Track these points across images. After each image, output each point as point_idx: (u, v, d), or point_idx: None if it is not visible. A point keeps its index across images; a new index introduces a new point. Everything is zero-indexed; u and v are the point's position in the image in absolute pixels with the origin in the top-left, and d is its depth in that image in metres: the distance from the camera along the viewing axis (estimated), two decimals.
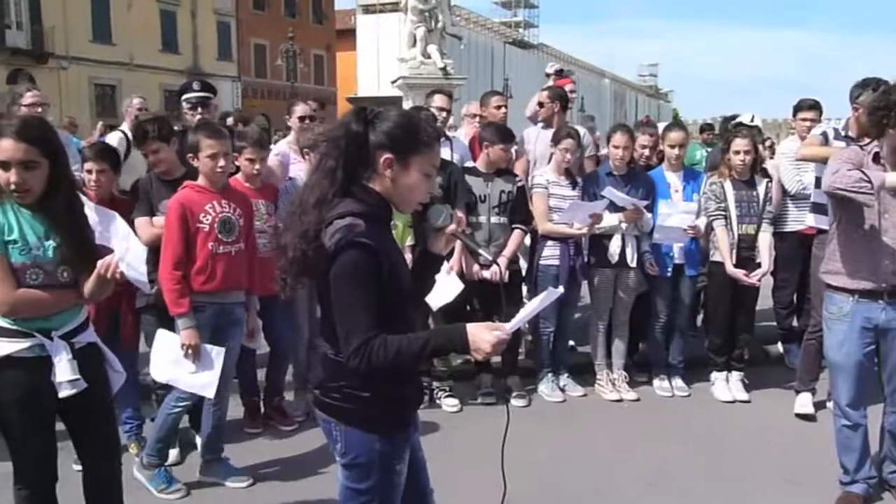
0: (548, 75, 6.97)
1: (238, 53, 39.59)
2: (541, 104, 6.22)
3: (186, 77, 27.17)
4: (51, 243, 2.67)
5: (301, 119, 5.40)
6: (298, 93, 29.66)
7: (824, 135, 5.10)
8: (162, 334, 3.91)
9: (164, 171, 4.31)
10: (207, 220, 3.88)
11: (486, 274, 2.26)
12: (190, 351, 3.79)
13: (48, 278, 2.65)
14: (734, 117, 6.59)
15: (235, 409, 4.89)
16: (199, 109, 5.41)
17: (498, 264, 4.83)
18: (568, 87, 6.81)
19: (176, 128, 5.56)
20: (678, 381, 5.62)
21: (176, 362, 3.82)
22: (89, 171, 4.18)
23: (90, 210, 2.96)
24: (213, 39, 38.12)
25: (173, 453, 4.32)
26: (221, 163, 3.89)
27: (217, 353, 3.85)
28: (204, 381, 3.84)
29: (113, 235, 2.95)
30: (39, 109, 5.36)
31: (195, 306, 3.82)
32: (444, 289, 4.55)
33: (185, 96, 5.49)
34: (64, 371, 2.67)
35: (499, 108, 6.15)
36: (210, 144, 3.86)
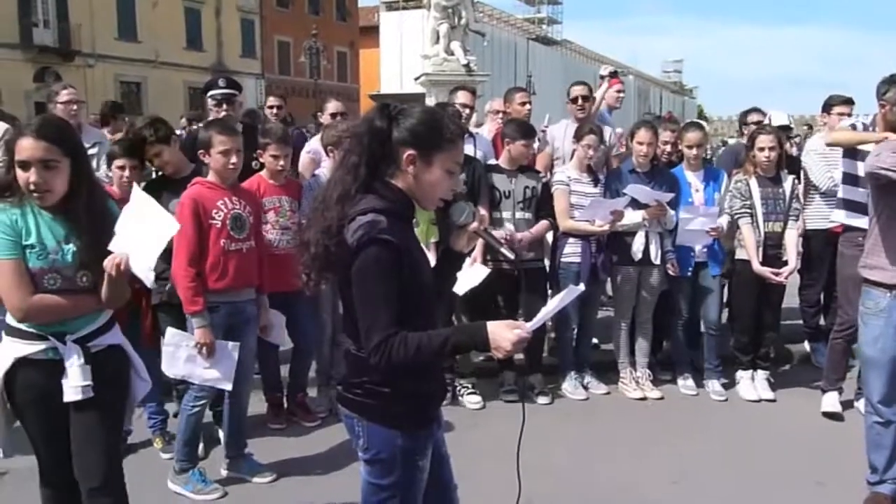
0: (602, 77, 6.99)
1: (262, 50, 39.85)
2: (585, 98, 6.07)
3: (211, 74, 27.39)
4: (70, 247, 2.59)
5: (333, 116, 5.42)
6: (322, 90, 29.80)
7: (853, 127, 5.05)
8: (172, 333, 3.90)
9: (173, 172, 4.32)
10: (220, 216, 3.88)
11: (510, 254, 2.16)
12: (204, 349, 3.79)
13: (66, 283, 2.58)
14: (753, 111, 6.49)
15: (259, 405, 4.95)
16: (225, 106, 5.46)
17: (509, 248, 4.82)
18: (615, 88, 6.82)
19: (200, 125, 5.66)
20: (715, 385, 5.56)
21: (189, 359, 3.82)
22: (121, 168, 4.21)
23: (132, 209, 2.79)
24: (237, 36, 38.41)
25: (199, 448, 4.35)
26: (233, 159, 3.89)
27: (233, 347, 3.87)
28: (220, 375, 3.86)
29: (127, 227, 2.76)
30: (75, 107, 5.47)
31: (209, 306, 3.81)
32: (470, 274, 4.54)
33: (210, 93, 5.54)
34: (75, 376, 2.61)
35: (523, 104, 6.15)
36: (222, 141, 3.86)
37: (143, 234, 2.64)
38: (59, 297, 2.57)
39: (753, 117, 6.42)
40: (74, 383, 2.61)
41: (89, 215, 2.61)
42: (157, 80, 33.80)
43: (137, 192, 2.86)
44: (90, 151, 5.46)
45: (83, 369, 2.62)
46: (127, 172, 4.19)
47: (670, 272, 5.38)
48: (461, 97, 5.75)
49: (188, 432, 3.98)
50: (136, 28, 33.61)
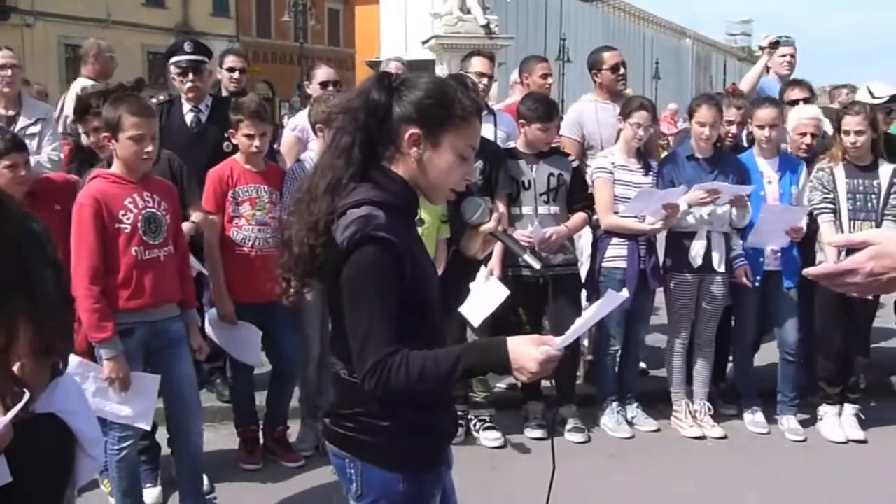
0: (761, 49, 7.10)
1: (236, 8, 40.07)
2: (622, 65, 6.11)
3: (175, 37, 27.55)
4: None
5: (324, 85, 5.43)
6: (309, 55, 29.90)
7: None
8: (76, 362, 3.72)
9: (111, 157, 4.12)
10: (129, 218, 3.78)
11: (534, 262, 2.09)
12: (117, 384, 3.75)
13: None
14: (843, 87, 6.54)
15: (229, 439, 4.95)
16: (191, 76, 5.47)
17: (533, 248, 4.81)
18: (780, 52, 6.99)
19: (161, 97, 5.68)
20: (791, 421, 5.54)
21: (99, 393, 3.75)
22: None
23: None
24: None
25: (154, 493, 4.38)
26: (148, 147, 3.79)
27: (153, 380, 3.85)
28: (134, 412, 3.82)
29: None
30: (9, 73, 5.49)
31: (121, 329, 3.75)
32: (485, 297, 4.55)
33: (173, 59, 5.56)
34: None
35: (544, 77, 6.15)
36: (135, 123, 3.74)
37: None
38: None
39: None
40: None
41: None
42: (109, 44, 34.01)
43: None
44: (31, 129, 5.49)
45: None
46: (23, 172, 4.08)
47: (739, 282, 5.34)
48: (477, 64, 5.75)
49: (123, 481, 3.94)
50: None
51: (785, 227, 5.25)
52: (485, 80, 5.68)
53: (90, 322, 3.70)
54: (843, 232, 5.22)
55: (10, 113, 5.45)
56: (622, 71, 5.99)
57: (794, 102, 6.04)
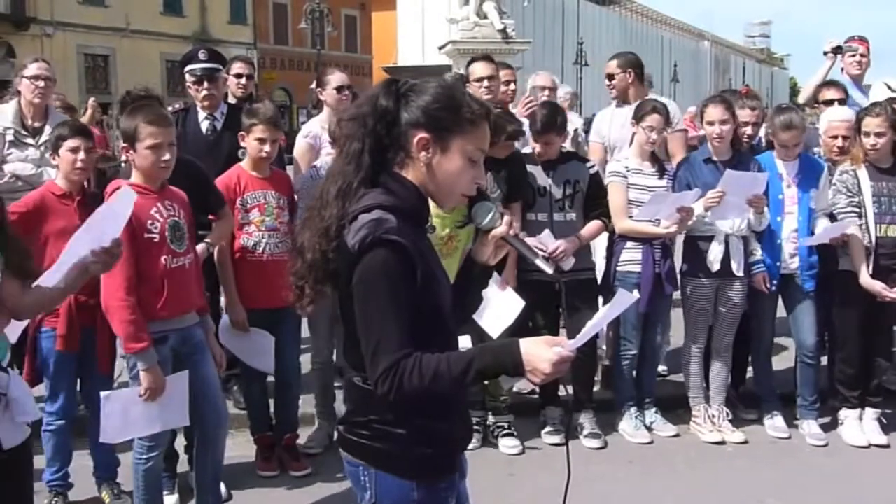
0: (825, 54, 7.04)
1: (254, 15, 40.31)
2: (610, 76, 6.17)
3: (193, 44, 27.65)
4: None
5: (339, 90, 5.42)
6: (326, 62, 30.02)
7: None
8: (109, 397, 3.79)
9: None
10: (156, 227, 3.79)
11: (547, 268, 2.11)
12: (150, 393, 3.74)
13: None
14: (832, 84, 6.51)
15: (246, 446, 4.96)
16: (206, 84, 5.50)
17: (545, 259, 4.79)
18: (850, 53, 6.91)
19: (177, 105, 5.71)
20: (812, 426, 5.49)
21: (145, 414, 3.76)
22: (73, 150, 4.17)
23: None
24: None
25: (171, 501, 4.40)
26: (166, 156, 3.81)
27: (182, 379, 3.85)
28: (174, 413, 3.83)
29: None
30: (42, 84, 5.50)
31: (155, 338, 3.77)
32: (500, 308, 4.54)
33: (188, 68, 5.59)
34: (26, 409, 2.68)
35: (507, 83, 6.13)
36: (152, 133, 3.77)
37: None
38: None
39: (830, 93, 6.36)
40: (25, 418, 2.69)
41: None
42: (127, 53, 34.33)
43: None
44: None
45: (30, 400, 2.70)
46: (82, 155, 4.18)
47: (759, 287, 5.29)
48: (479, 69, 5.73)
49: (147, 491, 3.96)
50: None
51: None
52: (485, 84, 5.66)
53: (127, 333, 3.71)
54: (869, 236, 5.17)
55: (37, 124, 5.45)
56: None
57: (829, 102, 6.01)
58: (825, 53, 7.06)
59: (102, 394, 3.81)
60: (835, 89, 6.35)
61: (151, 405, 3.75)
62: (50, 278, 2.78)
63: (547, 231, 5.07)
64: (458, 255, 4.65)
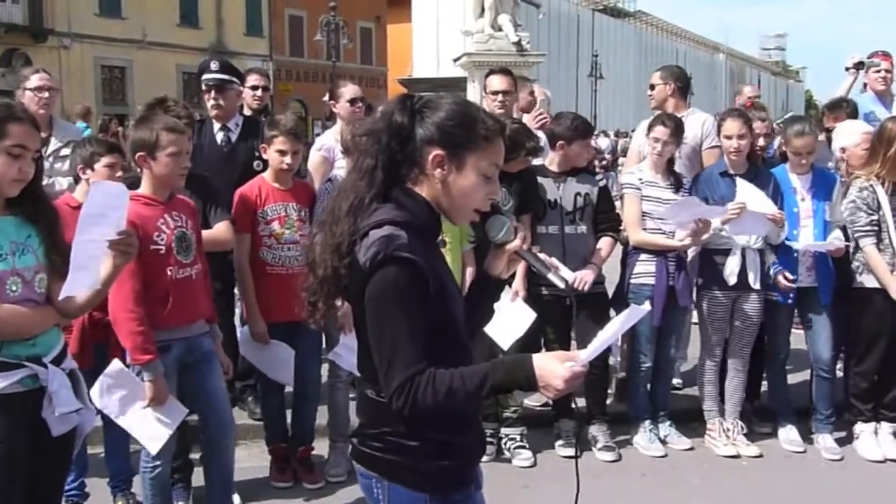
0: (847, 69, 6.97)
1: (270, 27, 40.47)
2: (652, 86, 6.17)
3: (209, 56, 27.72)
4: (30, 248, 2.79)
5: (352, 102, 5.44)
6: (342, 74, 30.10)
7: None
8: (118, 369, 3.80)
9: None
10: (163, 238, 3.82)
11: (559, 282, 2.14)
12: (152, 403, 3.77)
13: (26, 289, 2.77)
14: (842, 102, 6.40)
15: (260, 457, 4.97)
16: (213, 94, 5.51)
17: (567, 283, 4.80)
18: (875, 69, 6.80)
19: (196, 116, 5.75)
20: (827, 440, 5.46)
21: (124, 400, 3.79)
22: (110, 167, 4.22)
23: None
24: (240, 11, 39.13)
25: None
26: (186, 163, 3.88)
27: (180, 411, 3.87)
28: (152, 433, 3.83)
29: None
30: (46, 94, 5.56)
31: (159, 346, 3.79)
32: (512, 321, 4.53)
33: (202, 77, 5.62)
34: (66, 401, 2.75)
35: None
36: (172, 140, 3.80)
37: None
38: (25, 308, 2.76)
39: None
40: (69, 409, 2.78)
41: (49, 212, 2.86)
42: (144, 64, 34.52)
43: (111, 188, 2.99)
44: (63, 151, 5.55)
45: (69, 393, 2.79)
46: (119, 173, 4.20)
47: (781, 285, 5.25)
48: (495, 83, 5.75)
49: (156, 499, 3.97)
50: (119, 2, 34.39)
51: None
52: (500, 98, 5.69)
53: (134, 345, 3.73)
54: (892, 251, 5.13)
55: (43, 135, 5.50)
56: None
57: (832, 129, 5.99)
58: (847, 69, 6.95)
59: (115, 363, 3.82)
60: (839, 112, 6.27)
61: (139, 406, 3.79)
62: (71, 288, 2.82)
63: (563, 268, 5.05)
64: (452, 256, 4.64)
